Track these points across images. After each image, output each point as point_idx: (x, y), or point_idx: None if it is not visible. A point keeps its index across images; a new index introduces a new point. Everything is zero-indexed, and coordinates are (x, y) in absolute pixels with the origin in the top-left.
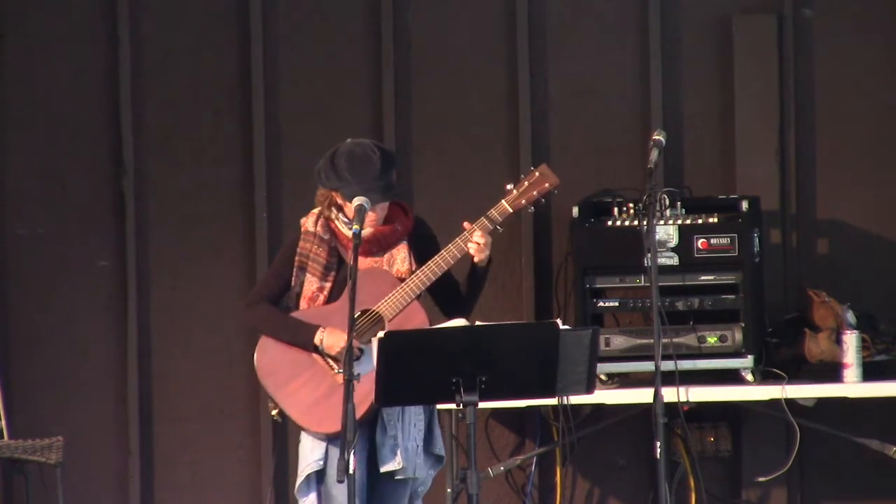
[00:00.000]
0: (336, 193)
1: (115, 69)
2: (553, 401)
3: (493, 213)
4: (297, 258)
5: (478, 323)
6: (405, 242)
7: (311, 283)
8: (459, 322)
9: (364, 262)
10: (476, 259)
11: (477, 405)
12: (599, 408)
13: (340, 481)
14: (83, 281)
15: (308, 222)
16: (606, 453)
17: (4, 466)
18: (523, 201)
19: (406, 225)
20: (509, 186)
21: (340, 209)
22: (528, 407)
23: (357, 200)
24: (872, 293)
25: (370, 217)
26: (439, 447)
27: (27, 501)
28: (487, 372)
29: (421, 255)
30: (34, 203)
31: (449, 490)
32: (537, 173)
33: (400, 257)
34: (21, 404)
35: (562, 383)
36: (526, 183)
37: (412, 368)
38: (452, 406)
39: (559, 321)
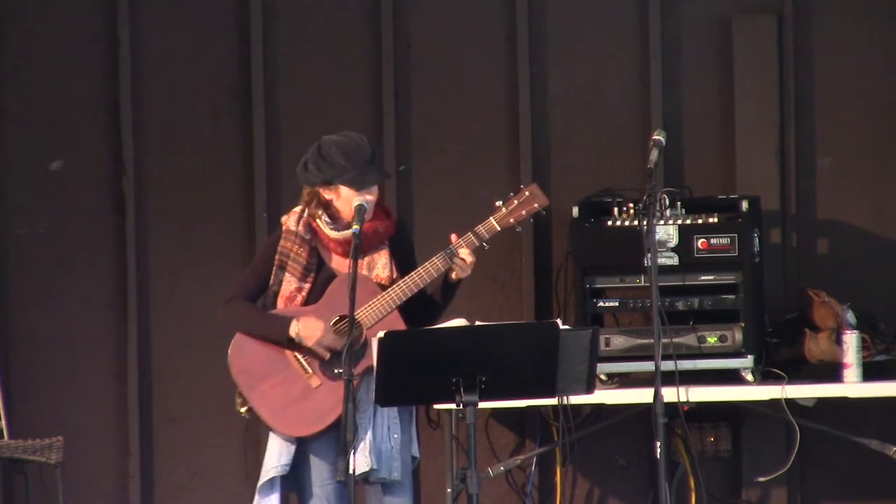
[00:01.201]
0: (325, 189)
1: (115, 69)
2: (553, 401)
3: (481, 229)
4: (277, 257)
5: (478, 323)
6: (386, 248)
7: (289, 283)
8: (459, 322)
9: (344, 264)
10: (455, 276)
11: (477, 405)
12: (599, 408)
13: (340, 481)
14: (83, 281)
15: (290, 221)
16: (606, 453)
17: (4, 466)
18: (511, 220)
19: (388, 228)
20: (498, 203)
21: (327, 206)
22: (528, 407)
23: (357, 200)
24: (872, 293)
25: (369, 200)
26: (415, 449)
27: (27, 501)
28: (487, 372)
29: (400, 260)
30: (34, 203)
31: (449, 490)
32: (527, 192)
33: (381, 263)
34: (21, 404)
35: (562, 383)
36: (515, 201)
37: (412, 368)
38: (452, 406)
39: (559, 321)
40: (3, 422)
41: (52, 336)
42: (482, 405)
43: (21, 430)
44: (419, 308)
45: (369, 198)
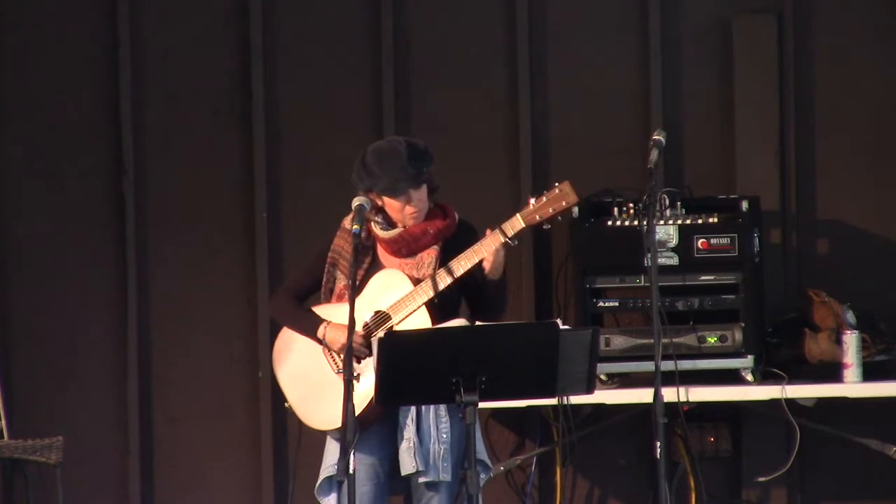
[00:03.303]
0: (373, 194)
1: (115, 69)
2: (553, 401)
3: (506, 226)
4: (330, 255)
5: (478, 323)
6: (436, 247)
7: (340, 280)
8: (459, 322)
9: (392, 263)
10: (486, 270)
11: (477, 405)
12: (599, 408)
13: (340, 481)
14: (83, 281)
15: (347, 219)
16: (606, 453)
17: (4, 466)
18: (538, 217)
19: (439, 228)
20: (532, 200)
21: (381, 211)
22: (528, 407)
23: (357, 201)
24: (872, 293)
25: (409, 210)
26: (482, 453)
27: (27, 501)
28: (487, 372)
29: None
30: (34, 203)
31: None
32: (557, 190)
33: (427, 262)
34: (21, 404)
35: (562, 383)
36: (544, 198)
37: (412, 368)
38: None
39: (559, 321)
40: (3, 422)
41: (52, 336)
42: (482, 405)
43: (21, 430)
44: (477, 302)
45: (410, 209)
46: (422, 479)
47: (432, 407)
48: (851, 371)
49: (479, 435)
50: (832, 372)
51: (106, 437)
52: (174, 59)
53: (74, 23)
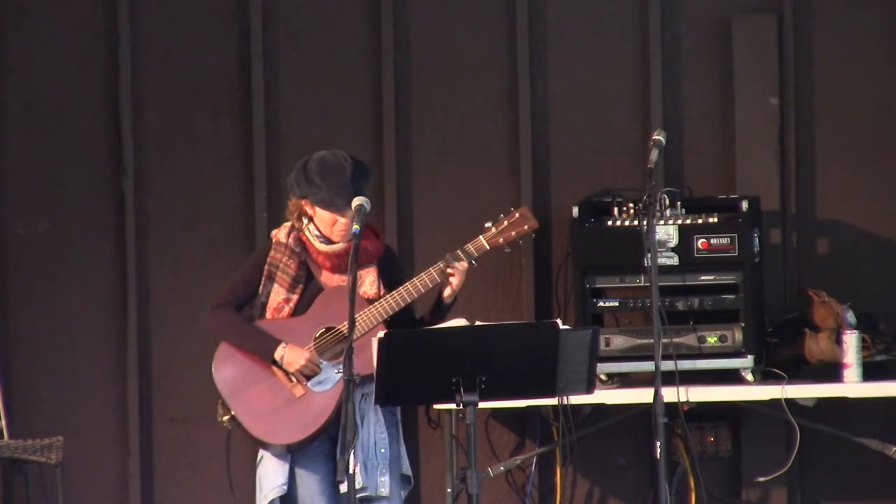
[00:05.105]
0: (305, 202)
1: (115, 69)
2: (553, 401)
3: (470, 247)
4: (266, 267)
5: (478, 323)
6: (374, 266)
7: (277, 294)
8: (459, 322)
9: (332, 279)
10: (449, 290)
11: (477, 405)
12: (599, 408)
13: (341, 481)
14: (83, 281)
15: (280, 234)
16: (606, 453)
17: (4, 466)
18: (500, 240)
19: (377, 247)
20: (488, 224)
21: (310, 220)
22: (528, 407)
23: (357, 200)
24: (872, 293)
25: (342, 224)
26: (406, 467)
27: (27, 501)
28: (487, 372)
29: (388, 281)
30: (34, 203)
31: (449, 490)
32: (517, 214)
33: (368, 280)
34: (21, 404)
35: (562, 383)
36: (505, 222)
37: (412, 368)
38: (452, 406)
39: (559, 321)
40: (3, 422)
41: (52, 336)
42: (482, 405)
43: (21, 430)
44: (409, 328)
45: (342, 220)
46: (360, 494)
47: (373, 422)
48: (851, 371)
49: (402, 450)
50: (832, 372)
51: (106, 437)
52: (174, 59)
53: (74, 23)
